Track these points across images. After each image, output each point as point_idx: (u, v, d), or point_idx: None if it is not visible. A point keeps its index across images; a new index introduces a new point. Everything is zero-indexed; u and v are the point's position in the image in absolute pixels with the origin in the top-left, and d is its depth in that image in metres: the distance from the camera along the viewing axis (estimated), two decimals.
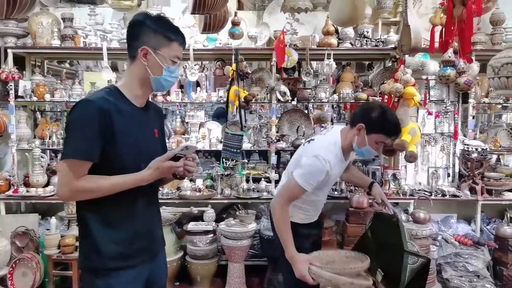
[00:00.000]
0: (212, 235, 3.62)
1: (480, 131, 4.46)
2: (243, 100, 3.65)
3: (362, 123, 2.06)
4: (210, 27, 3.09)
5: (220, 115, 4.65)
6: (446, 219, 3.97)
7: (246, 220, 3.54)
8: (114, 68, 4.85)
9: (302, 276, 1.91)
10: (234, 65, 3.64)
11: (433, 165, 4.10)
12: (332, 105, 5.18)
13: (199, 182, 3.95)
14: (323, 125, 4.40)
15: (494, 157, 4.37)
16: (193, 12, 2.48)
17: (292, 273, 1.99)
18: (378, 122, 2.05)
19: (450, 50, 3.14)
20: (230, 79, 3.71)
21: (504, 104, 4.66)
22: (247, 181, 3.85)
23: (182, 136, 4.13)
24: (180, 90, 4.14)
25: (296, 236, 2.07)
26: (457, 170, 4.08)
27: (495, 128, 4.36)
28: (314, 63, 4.52)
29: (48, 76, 4.35)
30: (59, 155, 4.59)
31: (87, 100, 1.47)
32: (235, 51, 3.63)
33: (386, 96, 3.37)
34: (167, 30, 1.55)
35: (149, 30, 1.53)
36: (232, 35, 3.80)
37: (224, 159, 3.67)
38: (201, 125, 4.26)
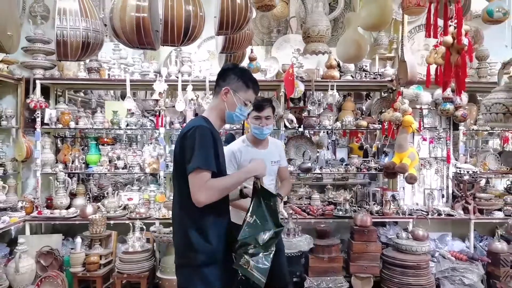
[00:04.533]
0: None
1: (469, 155, 4.85)
2: None
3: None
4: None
5: (229, 140, 4.94)
6: (442, 237, 4.28)
7: None
8: (123, 97, 5.10)
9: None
10: None
11: (429, 187, 4.44)
12: (327, 132, 5.58)
13: None
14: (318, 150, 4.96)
15: (484, 179, 4.74)
16: (222, 52, 2.84)
17: None
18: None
19: (449, 89, 3.62)
20: None
21: (490, 131, 5.08)
22: None
23: None
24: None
25: None
26: (450, 191, 4.42)
27: (483, 152, 4.75)
28: (315, 93, 4.90)
29: (70, 105, 4.65)
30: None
31: (202, 125, 1.86)
32: None
33: (386, 124, 3.73)
34: (248, 80, 2.03)
35: (235, 77, 2.01)
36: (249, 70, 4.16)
37: None
38: None
